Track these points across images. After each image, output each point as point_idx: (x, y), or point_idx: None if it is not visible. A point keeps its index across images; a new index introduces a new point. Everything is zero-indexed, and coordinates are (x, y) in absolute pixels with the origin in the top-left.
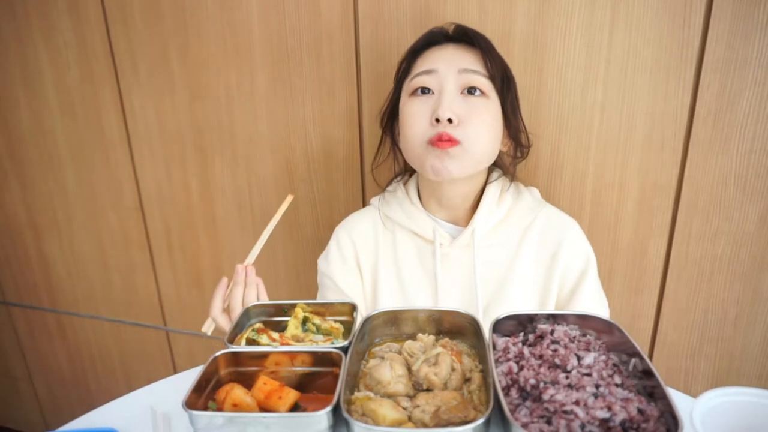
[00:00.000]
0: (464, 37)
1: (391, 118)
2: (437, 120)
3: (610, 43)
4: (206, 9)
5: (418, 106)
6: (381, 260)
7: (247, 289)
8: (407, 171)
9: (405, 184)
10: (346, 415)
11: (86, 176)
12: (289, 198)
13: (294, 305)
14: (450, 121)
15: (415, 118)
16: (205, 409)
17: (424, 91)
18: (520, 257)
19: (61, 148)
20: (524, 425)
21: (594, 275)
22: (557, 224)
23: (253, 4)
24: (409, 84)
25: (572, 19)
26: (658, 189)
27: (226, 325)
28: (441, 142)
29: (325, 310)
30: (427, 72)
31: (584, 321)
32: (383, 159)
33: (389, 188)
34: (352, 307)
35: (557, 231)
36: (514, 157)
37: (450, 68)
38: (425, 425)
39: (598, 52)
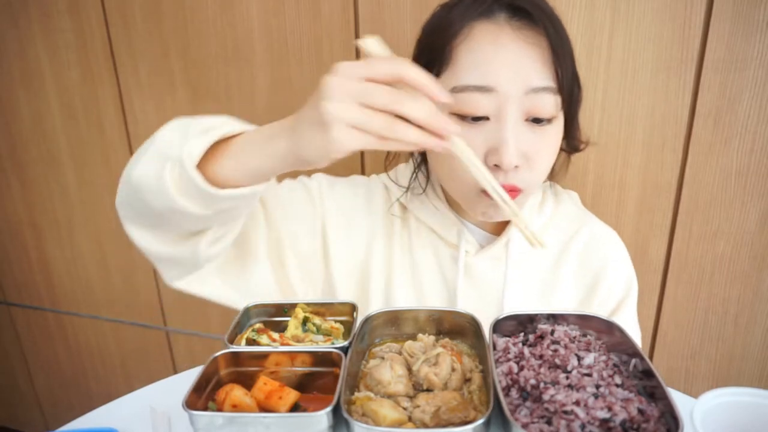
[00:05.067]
0: (522, 10)
1: None
2: (496, 165)
3: (611, 43)
4: (206, 9)
5: (467, 136)
6: (396, 260)
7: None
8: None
9: (426, 176)
10: (346, 415)
11: (86, 176)
12: None
13: (294, 305)
14: (515, 166)
15: None
16: (205, 409)
17: (478, 118)
18: (559, 275)
19: (61, 148)
20: (524, 425)
21: (633, 304)
22: (603, 240)
23: (253, 4)
24: (451, 97)
25: (572, 19)
26: (659, 189)
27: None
28: None
29: (325, 310)
30: (481, 89)
31: (584, 321)
32: (394, 158)
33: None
34: (352, 307)
35: (603, 248)
36: (567, 152)
37: (513, 86)
38: (425, 425)
39: (598, 52)
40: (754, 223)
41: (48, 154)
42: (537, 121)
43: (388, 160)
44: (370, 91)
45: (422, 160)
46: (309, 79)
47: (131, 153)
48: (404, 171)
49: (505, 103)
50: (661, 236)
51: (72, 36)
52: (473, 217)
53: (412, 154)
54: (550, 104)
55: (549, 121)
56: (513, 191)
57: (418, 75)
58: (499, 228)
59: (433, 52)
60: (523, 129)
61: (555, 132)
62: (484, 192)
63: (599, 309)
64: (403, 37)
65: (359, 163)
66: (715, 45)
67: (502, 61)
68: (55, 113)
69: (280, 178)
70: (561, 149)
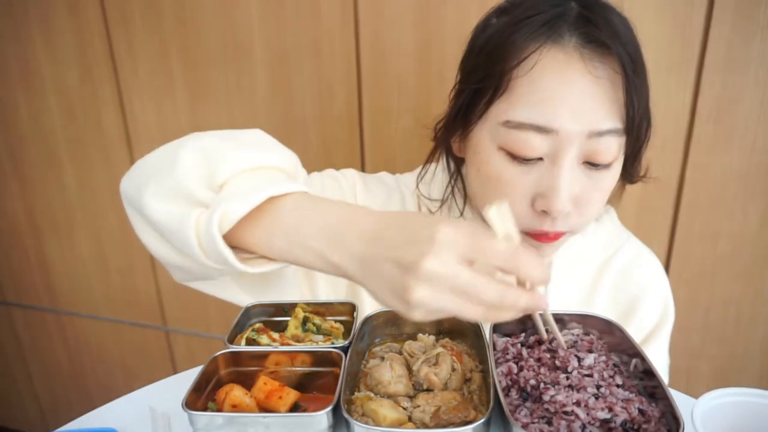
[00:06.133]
0: (593, 36)
1: (448, 130)
2: (544, 211)
3: None
4: (206, 9)
5: (515, 177)
6: None
7: None
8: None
9: (453, 187)
10: (346, 415)
11: (86, 176)
12: None
13: (294, 305)
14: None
15: (511, 195)
16: (205, 409)
17: (529, 159)
18: (595, 296)
19: (61, 148)
20: (524, 426)
21: (667, 332)
22: (640, 263)
23: (253, 4)
24: (503, 131)
25: None
26: (659, 189)
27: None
28: (543, 237)
29: (325, 310)
30: (540, 130)
31: (584, 320)
32: (426, 172)
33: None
34: (352, 307)
35: (640, 272)
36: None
37: (576, 127)
38: (425, 425)
39: None
40: (755, 223)
41: (48, 154)
42: (595, 165)
43: (421, 175)
44: (477, 289)
45: (458, 176)
46: (309, 79)
47: (131, 153)
48: (437, 186)
49: (564, 146)
50: (661, 236)
51: (72, 36)
52: None
53: (447, 166)
54: (614, 148)
55: (608, 165)
56: (557, 235)
57: (534, 272)
58: None
59: (489, 76)
60: (578, 172)
61: (612, 176)
62: (527, 233)
63: (634, 334)
64: (403, 37)
65: (359, 157)
66: (715, 45)
67: (567, 100)
68: (54, 113)
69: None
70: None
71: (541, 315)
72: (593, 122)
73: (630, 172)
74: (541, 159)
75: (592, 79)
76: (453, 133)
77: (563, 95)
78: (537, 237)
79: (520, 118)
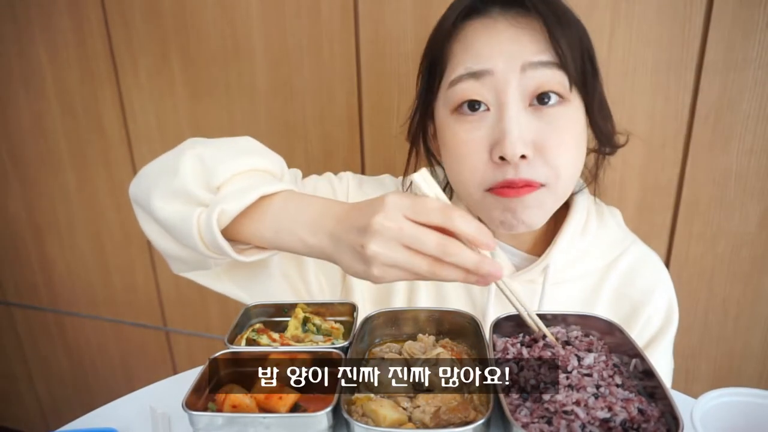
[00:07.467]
0: (512, 1)
1: (420, 125)
2: (502, 158)
3: (611, 43)
4: (206, 9)
5: (468, 133)
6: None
7: None
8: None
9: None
10: (346, 415)
11: (86, 176)
12: None
13: (294, 305)
14: (523, 156)
15: (467, 154)
16: (205, 409)
17: (474, 106)
18: (597, 300)
19: (61, 148)
20: (524, 426)
21: (670, 337)
22: (644, 268)
23: (253, 4)
24: (449, 93)
25: None
26: (659, 189)
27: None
28: (511, 189)
29: (325, 310)
30: (475, 75)
31: (584, 321)
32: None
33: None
34: (352, 307)
35: (645, 277)
36: (600, 154)
37: (509, 64)
38: (425, 426)
39: (598, 52)
40: (755, 223)
41: (48, 154)
42: (542, 101)
43: (406, 185)
44: (419, 239)
45: (447, 183)
46: (309, 79)
47: (131, 153)
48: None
49: (503, 86)
50: (661, 236)
51: (72, 36)
52: (497, 229)
53: (430, 164)
54: (552, 80)
55: (558, 102)
56: (529, 186)
57: (466, 227)
58: (537, 248)
59: (432, 53)
60: (529, 117)
61: (568, 116)
62: (489, 190)
63: (637, 338)
64: (403, 36)
65: (359, 158)
66: (715, 45)
67: (496, 46)
68: (55, 113)
69: (304, 174)
70: (595, 150)
71: (531, 320)
72: (524, 55)
73: (598, 127)
74: (488, 110)
75: (518, 29)
76: (420, 123)
77: (492, 43)
78: (504, 192)
79: (458, 72)
